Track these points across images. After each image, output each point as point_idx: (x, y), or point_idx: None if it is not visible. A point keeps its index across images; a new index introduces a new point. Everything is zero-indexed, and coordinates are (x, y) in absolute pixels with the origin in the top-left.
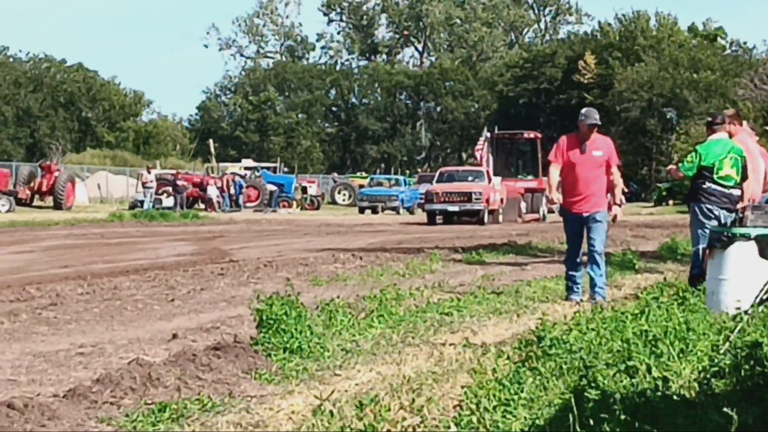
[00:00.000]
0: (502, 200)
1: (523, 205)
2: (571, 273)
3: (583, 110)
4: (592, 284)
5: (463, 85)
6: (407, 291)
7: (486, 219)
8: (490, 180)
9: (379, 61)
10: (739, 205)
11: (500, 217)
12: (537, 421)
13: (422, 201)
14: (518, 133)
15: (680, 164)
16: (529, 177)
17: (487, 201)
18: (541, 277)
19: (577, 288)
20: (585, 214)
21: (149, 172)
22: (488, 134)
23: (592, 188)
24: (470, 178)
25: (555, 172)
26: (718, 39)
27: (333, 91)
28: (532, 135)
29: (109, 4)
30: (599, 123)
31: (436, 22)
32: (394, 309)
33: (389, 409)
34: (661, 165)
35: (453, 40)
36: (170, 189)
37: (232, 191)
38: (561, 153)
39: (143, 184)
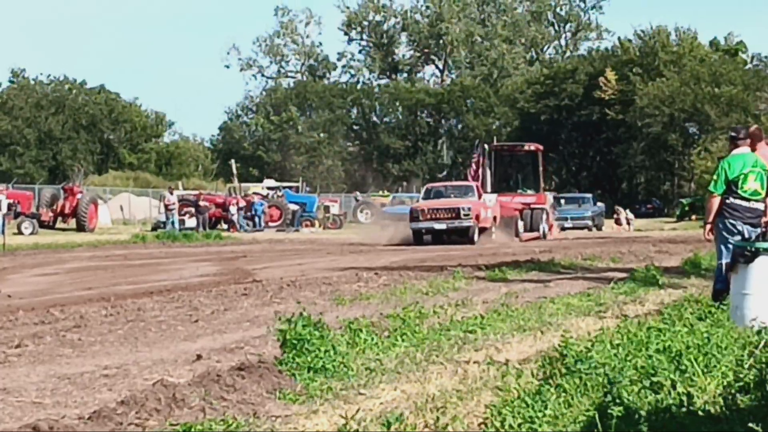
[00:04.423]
0: (495, 218)
1: (520, 223)
2: None
3: None
4: None
5: (484, 102)
6: (431, 309)
7: (476, 237)
8: (480, 195)
9: (400, 80)
10: (763, 220)
11: (493, 236)
12: None
13: None
14: (518, 145)
15: (709, 188)
16: (530, 191)
17: (477, 217)
18: (565, 294)
19: None
20: None
21: (171, 194)
22: (479, 148)
23: None
24: (459, 194)
25: None
26: (739, 53)
27: (354, 110)
28: (533, 147)
29: (130, 27)
30: None
31: (456, 39)
32: (418, 327)
33: (414, 428)
34: (684, 180)
35: (473, 58)
36: (192, 210)
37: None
38: None
39: (166, 206)
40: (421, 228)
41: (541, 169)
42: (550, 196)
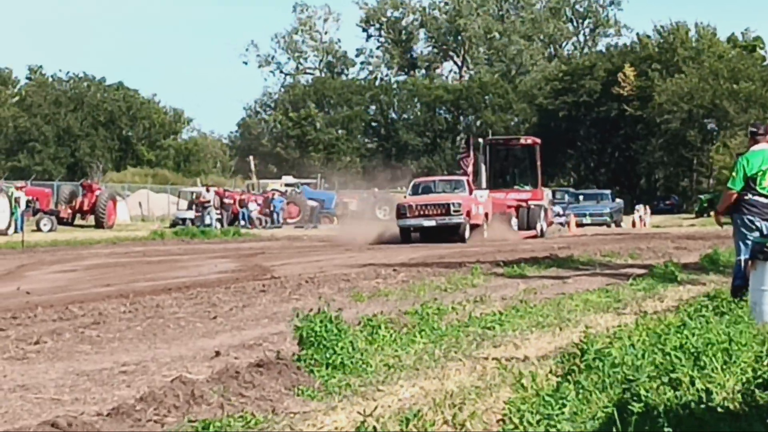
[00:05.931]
0: (486, 215)
1: (514, 220)
2: None
3: None
4: None
5: (503, 98)
6: (449, 305)
7: (467, 234)
8: (471, 191)
9: (418, 76)
10: None
11: (485, 234)
12: None
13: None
14: (514, 139)
15: (727, 184)
16: (527, 187)
17: (468, 214)
18: (584, 290)
19: None
20: None
21: (208, 191)
22: (471, 141)
23: None
24: (448, 189)
25: None
26: (757, 49)
27: (372, 107)
28: (529, 141)
29: (148, 23)
30: None
31: (474, 36)
32: (436, 324)
33: (433, 424)
34: (703, 176)
35: (492, 54)
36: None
37: (268, 209)
38: None
39: (203, 203)
40: (408, 225)
41: (538, 163)
42: (548, 192)
